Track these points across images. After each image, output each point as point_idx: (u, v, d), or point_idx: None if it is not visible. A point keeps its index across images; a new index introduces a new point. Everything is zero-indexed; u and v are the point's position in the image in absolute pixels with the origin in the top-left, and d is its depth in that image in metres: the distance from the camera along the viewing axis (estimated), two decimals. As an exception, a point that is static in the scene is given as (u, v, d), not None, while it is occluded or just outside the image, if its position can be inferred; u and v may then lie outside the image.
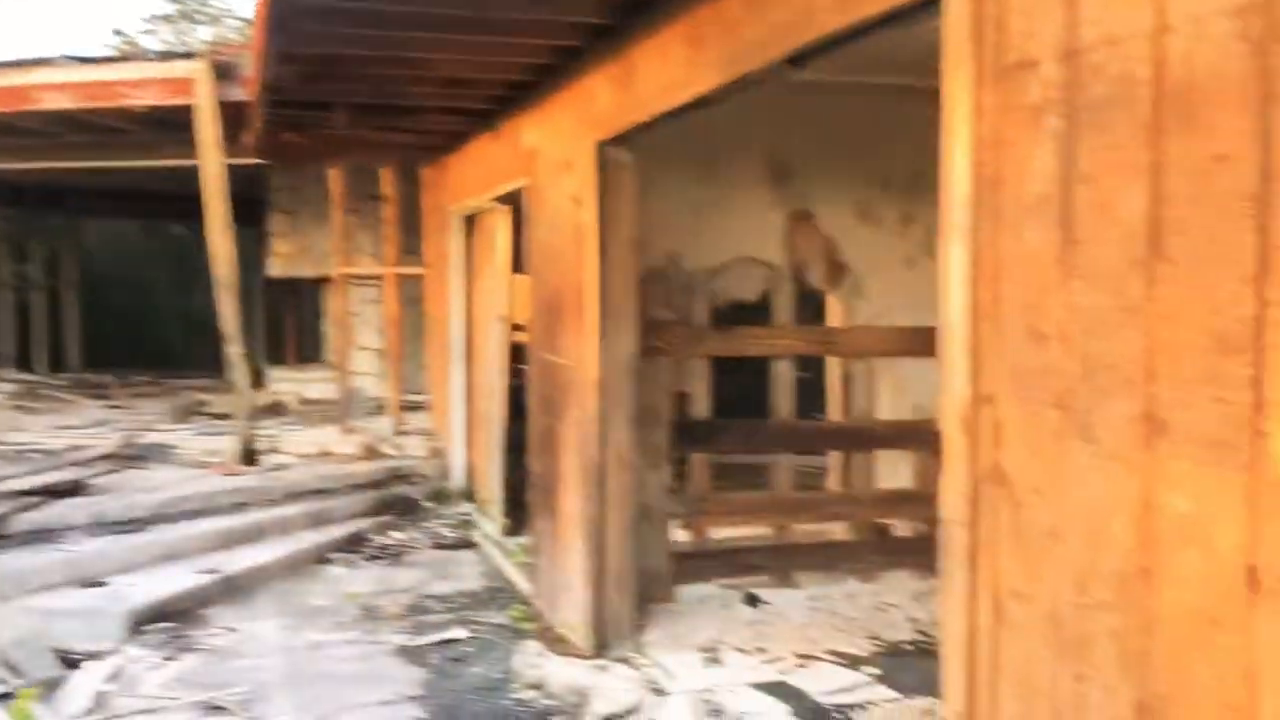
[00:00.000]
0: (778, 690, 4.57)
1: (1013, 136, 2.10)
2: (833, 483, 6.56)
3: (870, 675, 4.78)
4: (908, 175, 6.19)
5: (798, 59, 3.13)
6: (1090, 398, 1.91)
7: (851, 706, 4.39)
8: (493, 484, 7.58)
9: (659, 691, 4.54)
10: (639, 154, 4.74)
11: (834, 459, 6.58)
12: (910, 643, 5.26)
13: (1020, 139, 2.08)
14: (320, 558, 6.93)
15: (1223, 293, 1.63)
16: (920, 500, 6.21)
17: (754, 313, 6.41)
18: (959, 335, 2.27)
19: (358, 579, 6.59)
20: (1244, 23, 1.56)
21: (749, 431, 6.09)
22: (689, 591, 5.79)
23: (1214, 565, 1.66)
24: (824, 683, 4.66)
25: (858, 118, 5.93)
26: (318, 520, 7.38)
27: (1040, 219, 2.03)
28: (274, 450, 9.28)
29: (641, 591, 5.35)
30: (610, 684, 4.66)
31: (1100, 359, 1.88)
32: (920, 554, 6.28)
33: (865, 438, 6.25)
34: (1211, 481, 1.66)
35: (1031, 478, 2.07)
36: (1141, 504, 1.80)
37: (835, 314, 6.47)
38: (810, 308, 6.88)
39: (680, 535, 5.87)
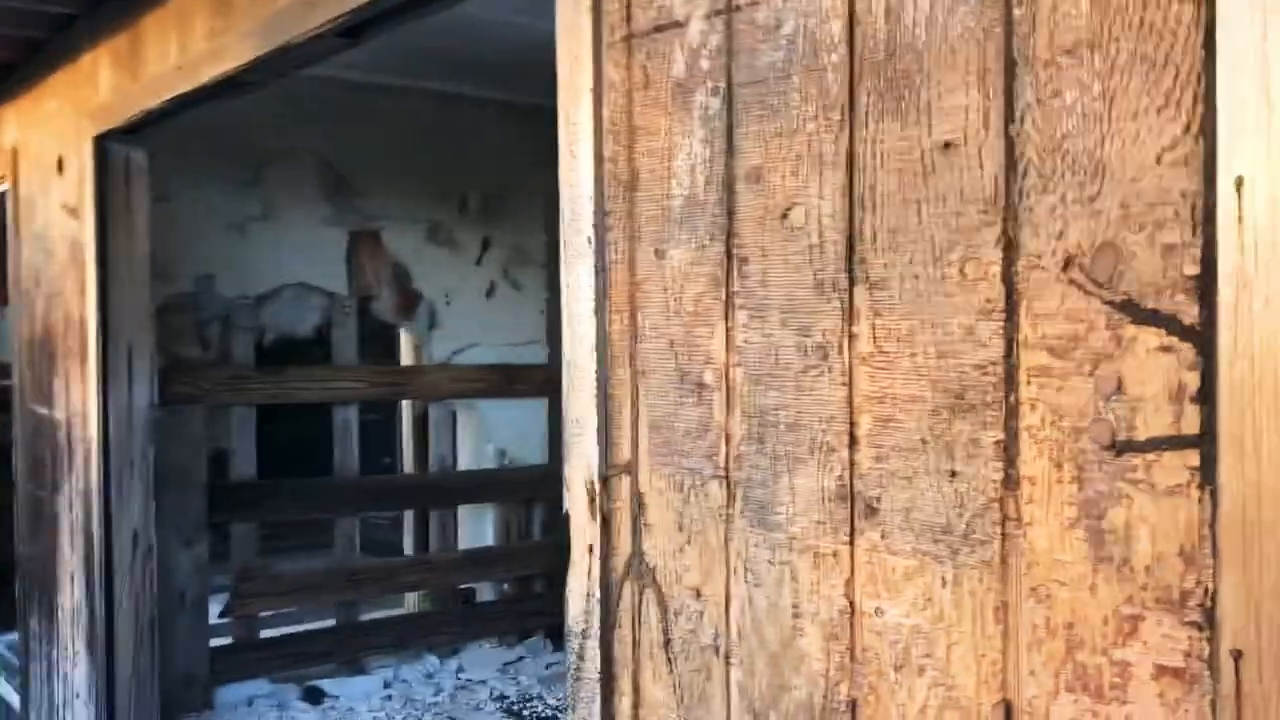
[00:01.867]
0: (345, 814, 3.87)
1: (652, 123, 1.64)
2: (407, 545, 5.92)
3: (457, 778, 4.20)
4: (487, 195, 5.73)
5: (352, 30, 2.53)
6: (767, 468, 1.47)
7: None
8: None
9: (190, 838, 3.66)
10: (155, 153, 3.87)
11: (409, 518, 5.95)
12: (500, 728, 4.76)
13: (662, 126, 1.62)
14: None
15: (956, 330, 1.24)
16: (506, 559, 5.75)
17: (310, 349, 5.64)
18: (584, 384, 1.77)
19: None
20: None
21: (305, 492, 5.30)
22: (234, 692, 4.89)
23: (951, 700, 1.25)
24: (402, 795, 4.01)
25: (430, 128, 5.39)
26: None
27: (691, 230, 1.57)
28: None
29: (172, 701, 4.39)
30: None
31: (779, 416, 1.44)
32: (506, 619, 5.81)
33: (444, 491, 5.68)
34: (942, 585, 1.26)
35: (688, 576, 1.60)
36: (843, 615, 1.37)
37: (408, 350, 5.86)
38: (379, 343, 6.22)
39: (224, 624, 4.95)
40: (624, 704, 1.74)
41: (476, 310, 5.84)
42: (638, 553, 1.70)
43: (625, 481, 1.72)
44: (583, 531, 1.78)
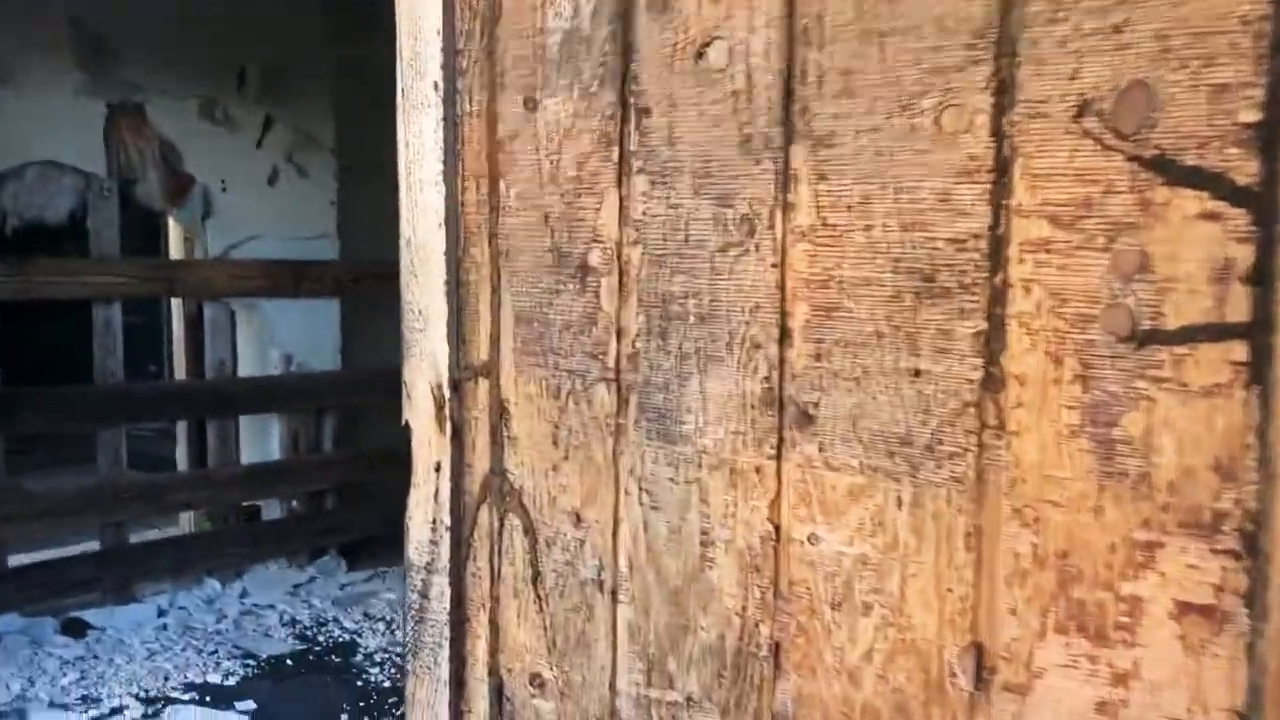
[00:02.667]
0: (118, 761, 3.48)
1: (518, -61, 1.33)
2: (181, 461, 5.42)
3: (246, 713, 3.86)
4: (268, 68, 5.18)
5: None
6: (670, 369, 1.23)
7: (225, 768, 3.45)
8: None
9: (-72, 800, 3.21)
10: None
11: (183, 431, 5.44)
12: (293, 656, 4.41)
13: (532, -57, 1.32)
14: None
15: (927, 196, 1.02)
16: (294, 474, 5.36)
17: (63, 240, 5.01)
18: (429, 268, 1.47)
19: None
20: None
21: (60, 401, 4.72)
22: (-23, 630, 4.36)
23: (905, 643, 1.06)
24: (184, 737, 3.65)
25: (202, -12, 4.78)
26: None
27: (574, 74, 1.29)
28: None
29: (-103, 644, 3.85)
30: None
31: (688, 306, 1.20)
32: (295, 537, 5.44)
33: (223, 400, 5.20)
34: (897, 507, 1.06)
35: (565, 498, 1.35)
36: (766, 543, 1.16)
37: (177, 242, 5.29)
38: (142, 234, 5.61)
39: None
40: (479, 648, 1.48)
41: (257, 199, 5.32)
42: (499, 471, 1.43)
43: (483, 386, 1.44)
44: (427, 446, 1.50)
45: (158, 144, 4.83)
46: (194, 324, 5.44)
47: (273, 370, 5.37)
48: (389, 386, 5.20)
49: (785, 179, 1.12)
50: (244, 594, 5.10)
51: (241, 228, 5.24)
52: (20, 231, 4.50)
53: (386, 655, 4.42)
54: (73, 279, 4.56)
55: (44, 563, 4.62)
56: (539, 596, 1.41)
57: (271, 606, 4.97)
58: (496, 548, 1.46)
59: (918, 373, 1.04)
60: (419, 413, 1.51)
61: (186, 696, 3.98)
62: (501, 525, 1.45)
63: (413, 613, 1.55)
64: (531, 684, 1.44)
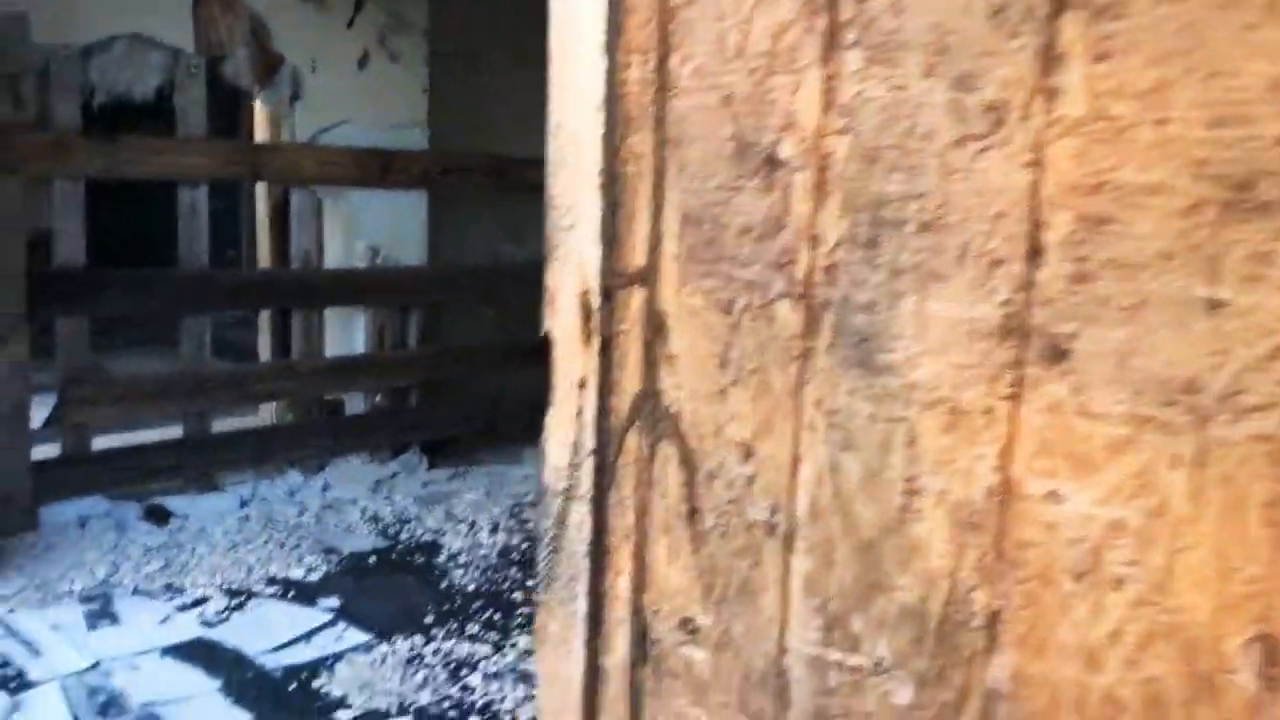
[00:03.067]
0: (200, 653, 3.45)
1: None
2: (265, 351, 5.37)
3: (330, 610, 3.82)
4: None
5: None
6: (879, 286, 1.05)
7: (309, 668, 3.40)
8: None
9: (17, 680, 3.20)
10: None
11: (266, 321, 5.37)
12: (375, 553, 4.37)
13: None
14: None
15: (1251, 82, 0.82)
16: (379, 369, 5.28)
17: (148, 118, 4.90)
18: (580, 157, 1.29)
19: None
20: None
21: (145, 284, 4.66)
22: (63, 512, 4.37)
23: (1165, 626, 0.89)
24: (267, 632, 3.61)
25: None
26: None
27: (768, -70, 1.09)
28: None
29: (-15, 523, 3.86)
30: (-67, 680, 3.22)
31: (908, 212, 1.02)
32: (378, 432, 5.39)
33: (307, 292, 5.11)
34: (1171, 466, 0.88)
35: (733, 428, 1.19)
36: (992, 497, 0.99)
37: (263, 125, 5.16)
38: (227, 117, 5.49)
39: (49, 436, 4.37)
40: (620, 585, 1.34)
41: (347, 83, 5.15)
42: (652, 393, 1.27)
43: (637, 296, 1.27)
44: (571, 360, 1.34)
45: (248, 19, 4.67)
46: (279, 211, 5.33)
47: (358, 262, 5.26)
48: (476, 283, 5.10)
49: (1049, 58, 0.92)
50: (326, 487, 5.07)
51: (329, 112, 5.08)
52: (107, 108, 4.39)
53: (470, 558, 4.36)
54: (160, 158, 4.45)
55: (128, 448, 4.61)
56: (695, 535, 1.25)
57: (353, 501, 4.94)
58: (645, 477, 1.30)
59: (1217, 304, 0.85)
60: (562, 322, 1.35)
61: (269, 591, 3.95)
62: (653, 453, 1.29)
63: (548, 542, 1.41)
64: (682, 629, 1.29)
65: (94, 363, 4.46)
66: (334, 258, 5.23)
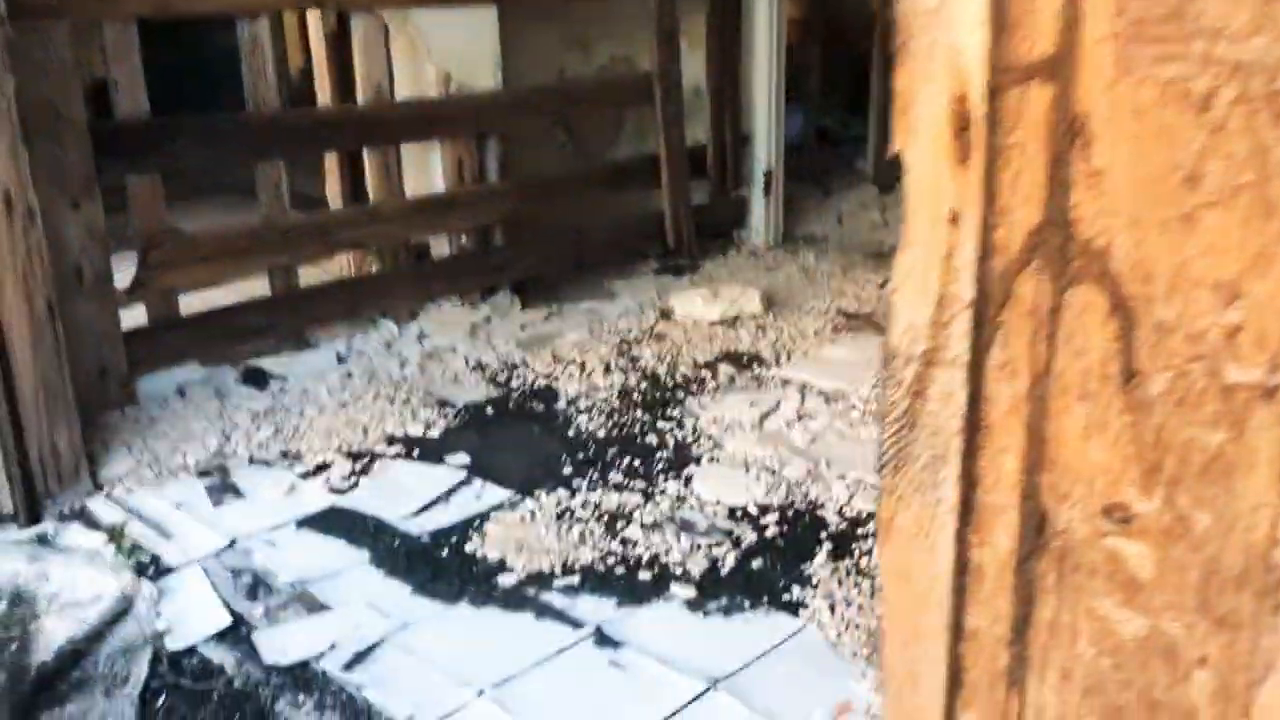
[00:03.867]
0: (337, 523, 3.30)
1: None
2: (337, 196, 5.08)
3: (462, 467, 3.65)
4: None
5: None
6: None
7: (456, 531, 3.25)
8: None
9: (153, 565, 3.07)
10: None
11: (333, 164, 5.06)
12: (491, 403, 4.19)
13: None
14: None
15: None
16: (461, 207, 5.01)
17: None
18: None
19: None
20: None
21: (216, 132, 4.36)
22: (160, 382, 4.20)
23: None
24: (401, 495, 3.46)
25: None
26: None
27: None
28: None
29: (88, 400, 3.69)
30: (67, 570, 3.09)
31: None
32: (466, 275, 5.15)
33: (381, 127, 4.79)
34: None
35: (1204, 265, 0.91)
36: None
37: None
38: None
39: (133, 303, 4.16)
40: (1004, 466, 1.09)
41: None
42: (1061, 224, 0.99)
43: (1040, 95, 0.98)
44: (937, 188, 1.05)
45: None
46: (334, 40, 4.96)
47: (429, 91, 4.90)
48: (553, 106, 4.73)
49: None
50: (422, 336, 4.86)
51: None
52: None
53: (590, 402, 4.16)
54: (214, -9, 4.08)
55: (218, 310, 4.40)
56: (1134, 402, 0.99)
57: (453, 349, 4.73)
58: (1048, 333, 1.04)
59: None
60: (922, 138, 1.06)
61: (391, 451, 3.79)
62: (1059, 302, 1.02)
63: (897, 417, 1.16)
64: (1107, 517, 1.05)
65: (173, 224, 4.21)
66: (403, 88, 4.88)
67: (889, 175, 7.58)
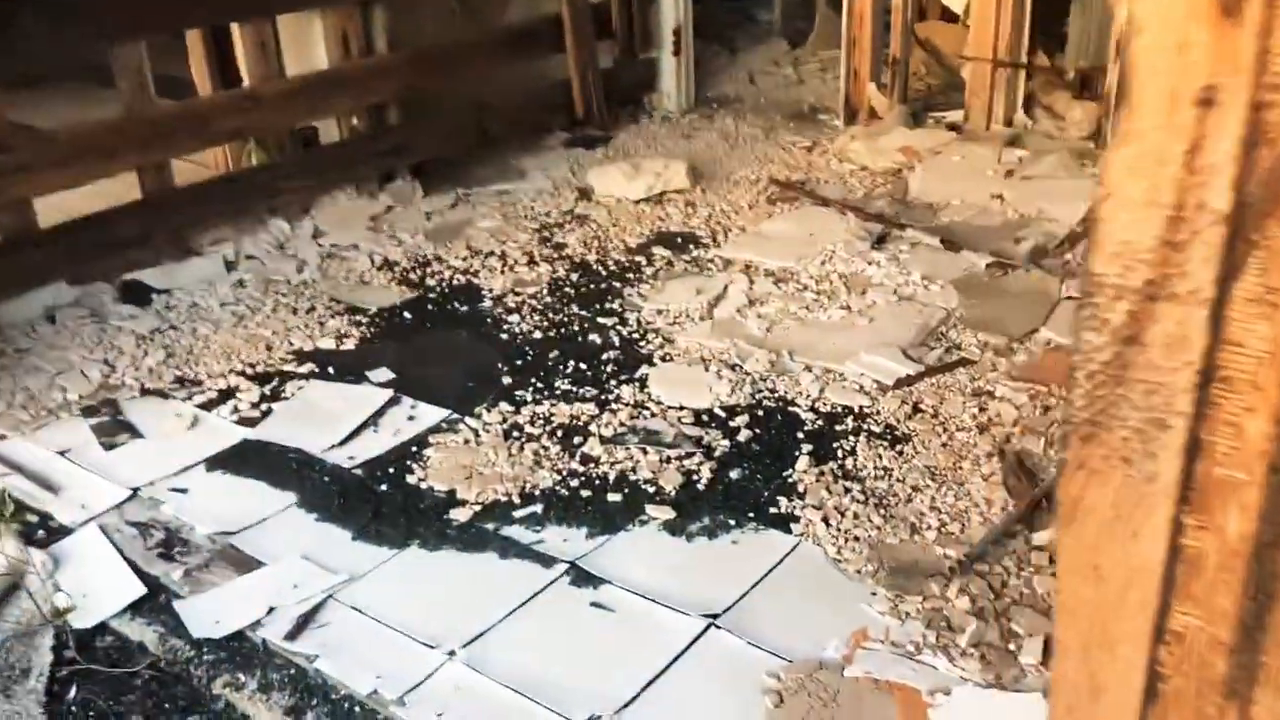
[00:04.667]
0: (255, 460, 2.94)
1: None
2: (204, 79, 4.54)
3: (383, 384, 3.30)
4: None
5: None
6: None
7: (394, 462, 2.92)
8: None
9: (42, 528, 2.70)
10: None
11: (196, 41, 4.49)
12: (408, 307, 3.81)
13: None
14: None
15: None
16: (351, 84, 4.55)
17: None
18: None
19: None
20: None
21: (62, 6, 3.79)
22: (26, 306, 3.72)
23: None
24: (323, 423, 3.10)
25: None
26: None
27: None
28: None
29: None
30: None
31: None
32: (361, 161, 4.72)
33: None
34: None
35: None
36: None
37: None
38: None
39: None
40: (1252, 430, 0.83)
41: None
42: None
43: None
44: (1179, 54, 0.76)
45: None
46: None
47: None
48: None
49: None
50: (317, 234, 4.43)
51: None
52: None
53: (519, 299, 3.83)
54: None
55: (83, 219, 3.90)
56: None
57: (354, 247, 4.32)
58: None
59: None
60: (1146, 38, 0.76)
61: (303, 370, 3.41)
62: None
63: (1095, 368, 0.88)
64: None
65: (22, 121, 3.68)
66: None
67: (796, 28, 7.23)
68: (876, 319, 3.51)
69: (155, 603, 2.44)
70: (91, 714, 2.18)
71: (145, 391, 3.33)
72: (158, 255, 4.09)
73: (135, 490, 2.83)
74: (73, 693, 2.23)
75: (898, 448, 2.86)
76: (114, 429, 3.13)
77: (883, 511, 2.60)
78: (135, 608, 2.42)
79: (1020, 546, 2.46)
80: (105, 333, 3.65)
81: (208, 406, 3.23)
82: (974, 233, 4.16)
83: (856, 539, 2.51)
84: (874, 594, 2.34)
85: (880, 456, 2.82)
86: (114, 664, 2.30)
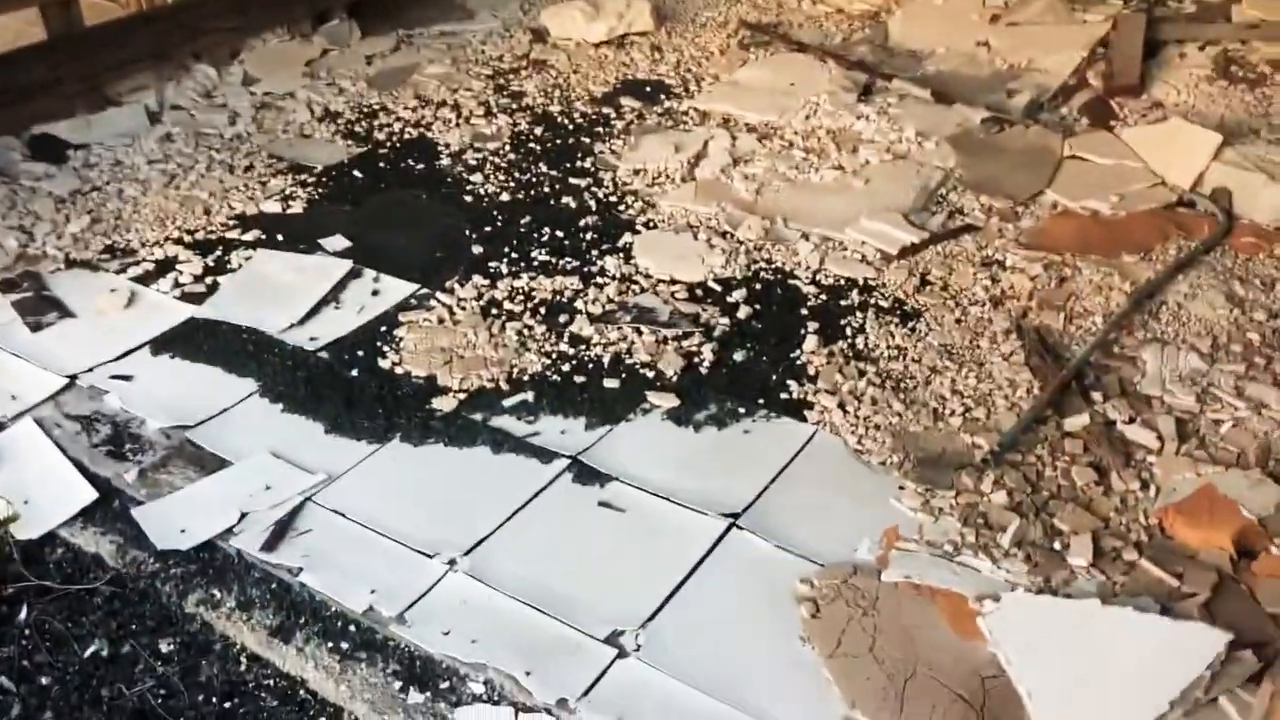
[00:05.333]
0: (206, 342, 2.68)
1: None
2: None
3: (339, 252, 3.03)
4: None
5: None
6: None
7: (363, 344, 2.68)
8: None
9: (-29, 421, 2.44)
10: None
11: None
12: (356, 164, 3.50)
13: None
14: None
15: None
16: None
17: None
18: None
19: None
20: None
21: None
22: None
23: None
24: (278, 296, 2.84)
25: None
26: None
27: None
28: None
29: None
30: None
31: None
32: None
33: None
34: None
35: None
36: None
37: None
38: None
39: None
40: None
41: None
42: None
43: None
44: None
45: None
46: None
47: None
48: None
49: None
50: (248, 80, 4.06)
51: None
52: None
53: (480, 156, 3.54)
54: None
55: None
56: None
57: (291, 95, 3.97)
58: None
59: None
60: None
61: (249, 236, 3.12)
62: None
63: None
64: None
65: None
66: None
67: None
68: (872, 180, 3.30)
69: (109, 509, 2.21)
70: (47, 638, 1.98)
71: (71, 263, 3.02)
72: (70, 105, 3.71)
73: (72, 378, 2.57)
74: (24, 613, 2.02)
75: (909, 324, 2.69)
76: (39, 305, 2.84)
77: (902, 396, 2.45)
78: (86, 515, 2.19)
79: (1052, 434, 2.32)
80: (17, 195, 3.30)
81: (145, 280, 2.94)
82: (963, 83, 3.93)
83: (877, 427, 2.36)
84: (902, 488, 2.19)
85: (892, 335, 2.65)
86: (68, 580, 2.08)
